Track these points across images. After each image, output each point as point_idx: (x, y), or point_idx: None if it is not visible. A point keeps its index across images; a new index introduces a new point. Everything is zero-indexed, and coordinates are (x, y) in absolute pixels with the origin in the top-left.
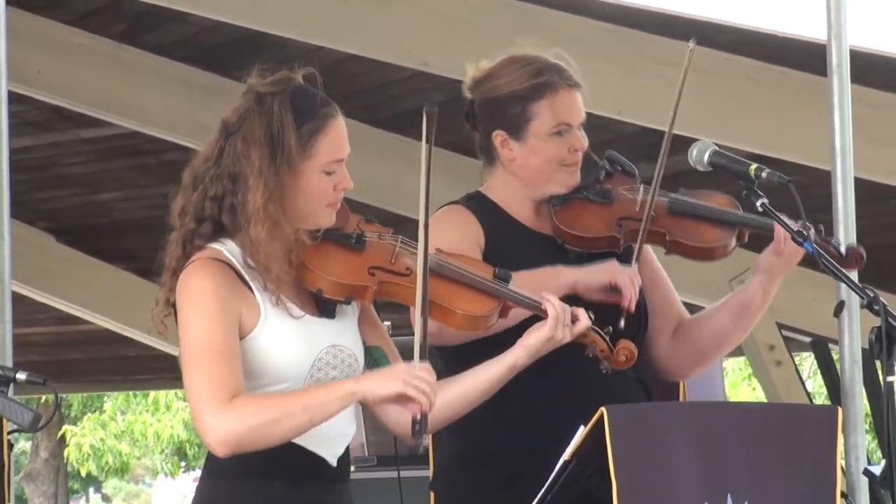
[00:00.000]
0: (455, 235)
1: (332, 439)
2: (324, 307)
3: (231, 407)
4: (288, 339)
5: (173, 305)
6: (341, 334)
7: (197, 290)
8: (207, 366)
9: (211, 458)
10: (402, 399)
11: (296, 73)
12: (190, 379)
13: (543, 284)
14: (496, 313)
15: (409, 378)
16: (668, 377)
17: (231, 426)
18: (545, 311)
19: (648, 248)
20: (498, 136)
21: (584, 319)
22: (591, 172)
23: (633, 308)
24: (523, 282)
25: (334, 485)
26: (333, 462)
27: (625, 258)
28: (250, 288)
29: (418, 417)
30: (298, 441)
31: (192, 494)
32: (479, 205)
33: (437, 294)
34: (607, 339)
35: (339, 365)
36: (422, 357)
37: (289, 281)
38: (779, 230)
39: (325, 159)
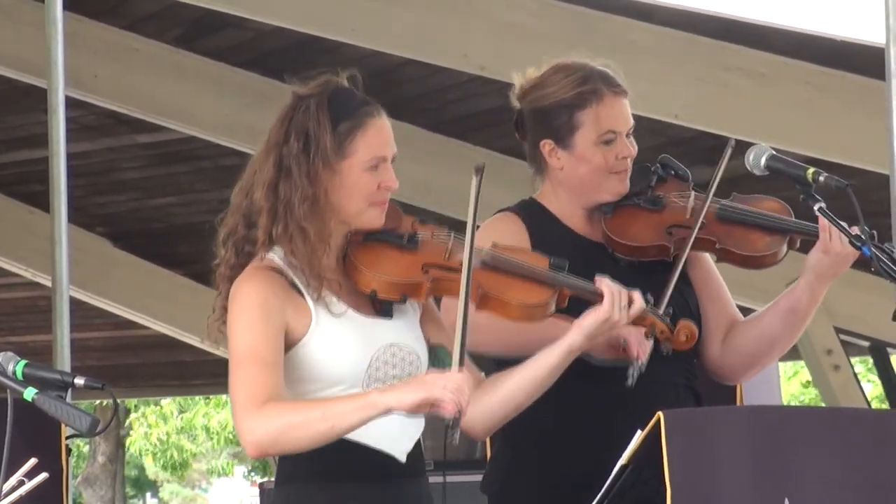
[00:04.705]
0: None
1: (398, 436)
2: (381, 307)
3: (260, 411)
4: (342, 340)
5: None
6: (400, 333)
7: (244, 298)
8: (247, 372)
9: (281, 466)
10: (431, 406)
11: (339, 77)
12: (231, 384)
13: (549, 333)
14: (552, 302)
15: (436, 381)
16: (721, 380)
17: (259, 429)
18: (600, 295)
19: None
20: (546, 146)
21: (640, 301)
22: (644, 178)
23: (643, 358)
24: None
25: (405, 480)
26: (403, 458)
27: (673, 267)
28: (301, 293)
29: (450, 419)
30: (363, 440)
31: (250, 500)
32: (531, 211)
33: (491, 287)
34: (667, 320)
35: (399, 363)
36: (460, 364)
37: (342, 283)
38: (824, 227)
39: (364, 156)
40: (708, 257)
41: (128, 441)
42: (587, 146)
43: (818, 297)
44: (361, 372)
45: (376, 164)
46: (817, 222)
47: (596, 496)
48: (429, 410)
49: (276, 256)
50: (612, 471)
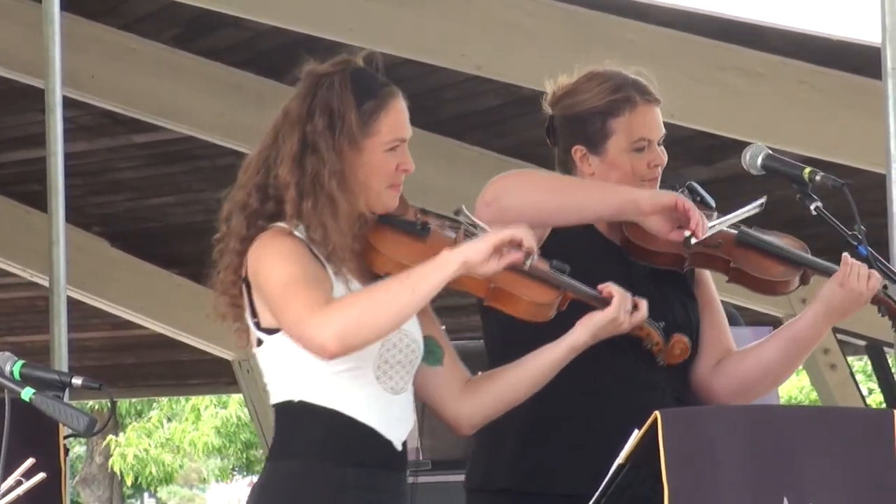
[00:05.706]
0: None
1: (397, 423)
2: None
3: (330, 307)
4: None
5: (244, 280)
6: None
7: (275, 244)
8: (297, 290)
9: (279, 442)
10: (502, 252)
11: (355, 57)
12: (284, 309)
13: (612, 190)
14: (556, 303)
15: (503, 229)
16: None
17: (335, 322)
18: (606, 299)
19: (708, 276)
20: (578, 151)
21: (644, 308)
22: None
23: (699, 234)
24: (597, 186)
25: (399, 472)
26: (399, 446)
27: (686, 281)
28: (321, 262)
29: (524, 259)
30: (367, 421)
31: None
32: None
33: (501, 282)
34: (661, 332)
35: (404, 349)
36: None
37: (352, 262)
38: (846, 262)
39: (387, 136)
40: (712, 286)
41: (109, 462)
42: (619, 153)
43: (822, 332)
44: (375, 350)
45: (396, 144)
46: (819, 219)
47: (574, 497)
48: (500, 261)
49: (296, 231)
50: (592, 472)
